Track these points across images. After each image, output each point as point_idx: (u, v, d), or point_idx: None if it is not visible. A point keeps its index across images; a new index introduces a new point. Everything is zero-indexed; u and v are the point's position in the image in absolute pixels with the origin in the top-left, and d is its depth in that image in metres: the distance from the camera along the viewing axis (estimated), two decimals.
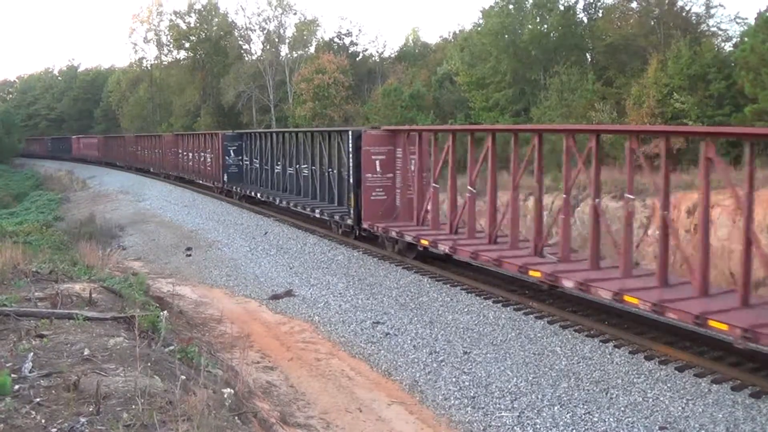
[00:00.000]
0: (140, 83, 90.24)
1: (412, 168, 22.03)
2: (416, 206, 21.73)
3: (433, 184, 20.65)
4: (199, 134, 47.45)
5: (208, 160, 41.61)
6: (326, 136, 27.67)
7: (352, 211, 23.43)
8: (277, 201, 30.94)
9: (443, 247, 18.77)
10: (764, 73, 28.25)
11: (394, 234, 21.00)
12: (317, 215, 26.52)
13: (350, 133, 23.85)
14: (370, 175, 22.64)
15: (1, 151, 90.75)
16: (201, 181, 43.57)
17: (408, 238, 20.21)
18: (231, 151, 38.09)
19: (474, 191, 19.00)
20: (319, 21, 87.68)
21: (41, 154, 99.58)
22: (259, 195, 33.95)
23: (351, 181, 23.48)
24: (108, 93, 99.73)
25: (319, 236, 25.76)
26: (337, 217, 24.64)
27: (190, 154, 46.40)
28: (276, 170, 33.33)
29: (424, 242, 19.54)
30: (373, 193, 22.64)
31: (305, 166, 29.63)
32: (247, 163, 37.55)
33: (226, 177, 38.16)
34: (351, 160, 23.42)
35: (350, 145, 23.53)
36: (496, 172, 18.42)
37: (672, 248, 14.98)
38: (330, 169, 26.90)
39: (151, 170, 56.20)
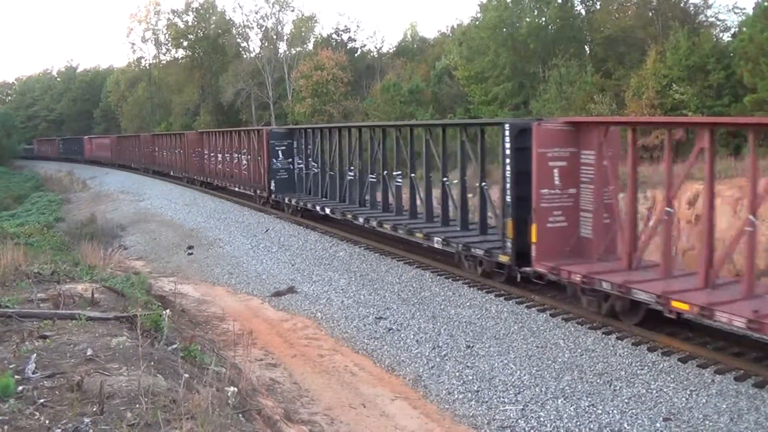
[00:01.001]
0: (139, 83, 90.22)
1: (607, 179, 15.00)
2: (624, 237, 14.63)
3: (667, 209, 13.76)
4: (232, 131, 40.14)
5: (244, 162, 35.27)
6: (462, 130, 20.27)
7: (509, 244, 16.33)
8: (361, 220, 23.30)
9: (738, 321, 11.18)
10: (763, 63, 28.22)
11: (605, 286, 13.58)
12: (438, 246, 19.42)
13: (508, 127, 16.46)
14: (546, 190, 15.36)
15: (1, 153, 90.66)
16: (236, 188, 37.18)
17: (642, 296, 12.85)
18: (279, 152, 30.95)
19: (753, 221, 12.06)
20: (317, 17, 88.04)
21: (52, 155, 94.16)
22: (328, 210, 25.97)
23: (508, 198, 16.44)
24: (107, 93, 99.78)
25: (320, 233, 25.68)
26: (478, 252, 17.60)
27: (219, 156, 40.04)
28: (347, 178, 26.36)
29: (681, 306, 12.14)
30: (551, 218, 15.47)
31: (398, 173, 23.52)
32: (301, 166, 30.76)
33: (273, 185, 30.96)
34: (509, 168, 16.37)
35: (507, 145, 16.40)
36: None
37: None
38: (448, 180, 20.78)
39: (171, 173, 50.46)
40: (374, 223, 22.52)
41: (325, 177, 28.34)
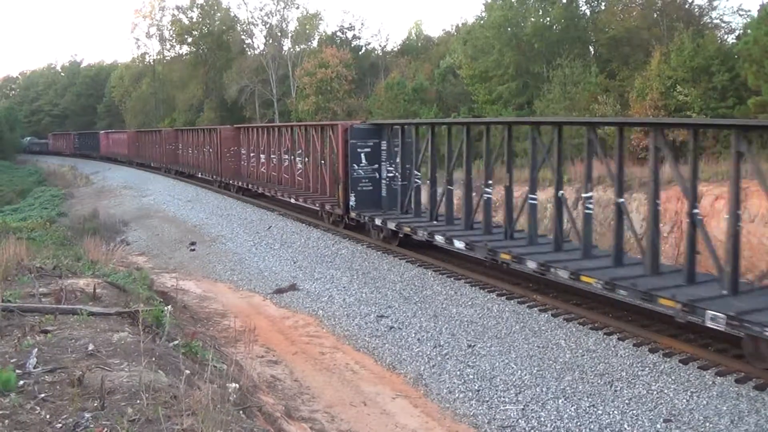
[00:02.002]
0: (143, 78, 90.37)
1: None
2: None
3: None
4: (281, 127, 34.19)
5: (299, 166, 30.07)
6: None
7: None
8: (563, 276, 14.84)
9: None
10: (767, 65, 28.17)
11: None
12: None
13: None
14: None
15: (4, 148, 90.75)
16: (287, 198, 30.56)
17: None
18: (362, 156, 23.71)
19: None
20: (321, 15, 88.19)
21: (68, 151, 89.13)
22: (460, 244, 18.34)
23: None
24: (111, 88, 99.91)
25: (322, 230, 25.71)
26: None
27: (263, 157, 34.61)
28: (485, 196, 19.05)
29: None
30: None
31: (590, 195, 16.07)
32: (393, 175, 23.25)
33: (353, 199, 23.71)
34: None
35: None
36: None
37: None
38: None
39: (200, 176, 44.49)
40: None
41: (436, 191, 21.65)
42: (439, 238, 19.02)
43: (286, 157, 31.68)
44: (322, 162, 27.26)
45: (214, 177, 40.77)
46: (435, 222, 20.77)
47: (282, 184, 32.01)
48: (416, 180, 22.05)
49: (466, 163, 19.85)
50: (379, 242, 22.30)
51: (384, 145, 23.79)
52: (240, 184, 36.92)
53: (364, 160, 23.84)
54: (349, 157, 23.75)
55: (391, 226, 21.52)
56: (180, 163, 50.31)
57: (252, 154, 36.37)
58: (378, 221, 22.23)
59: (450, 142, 20.58)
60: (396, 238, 21.80)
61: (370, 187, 23.89)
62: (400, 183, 22.81)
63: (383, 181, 23.84)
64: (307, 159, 29.16)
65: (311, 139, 28.68)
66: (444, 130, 21.51)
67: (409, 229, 20.56)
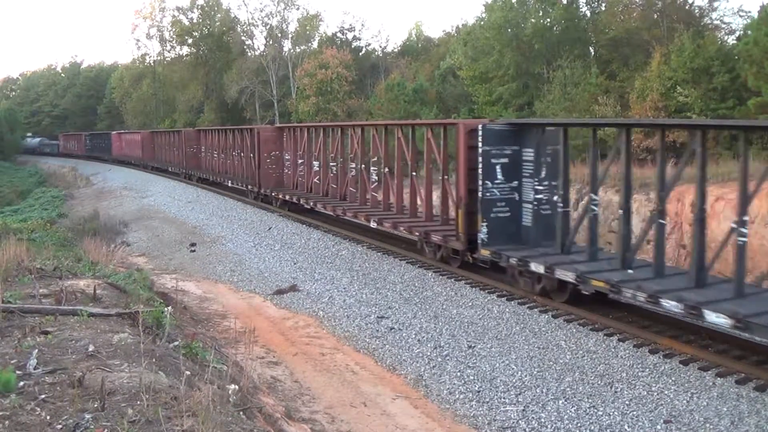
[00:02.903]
0: (143, 79, 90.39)
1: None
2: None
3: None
4: (344, 127, 28.09)
5: (374, 177, 24.67)
6: None
7: None
8: None
9: None
10: (767, 66, 28.18)
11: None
12: None
13: None
14: None
15: (4, 149, 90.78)
16: (373, 223, 22.71)
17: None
18: (497, 169, 17.22)
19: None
20: (321, 16, 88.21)
21: (78, 153, 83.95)
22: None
23: None
24: (111, 89, 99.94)
25: (323, 231, 25.69)
26: None
27: (314, 164, 29.02)
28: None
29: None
30: None
31: None
32: (548, 198, 16.96)
33: (484, 229, 17.15)
34: None
35: None
36: None
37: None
38: None
39: (229, 183, 38.39)
40: None
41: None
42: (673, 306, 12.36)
43: (353, 166, 26.01)
44: (413, 174, 21.95)
45: (249, 187, 34.42)
46: (630, 270, 14.29)
47: (348, 200, 26.17)
48: (593, 206, 15.56)
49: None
50: (530, 293, 16.20)
51: (529, 153, 17.02)
52: (285, 197, 30.23)
53: (500, 175, 17.18)
54: (481, 169, 17.00)
55: (566, 275, 14.72)
56: (203, 169, 44.96)
57: (300, 161, 30.41)
58: (536, 266, 15.35)
59: (628, 151, 15.10)
60: (564, 291, 15.31)
61: (507, 213, 17.24)
62: (561, 209, 16.13)
63: (528, 205, 17.07)
64: (387, 170, 23.46)
65: (397, 142, 22.69)
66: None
67: (603, 284, 13.77)
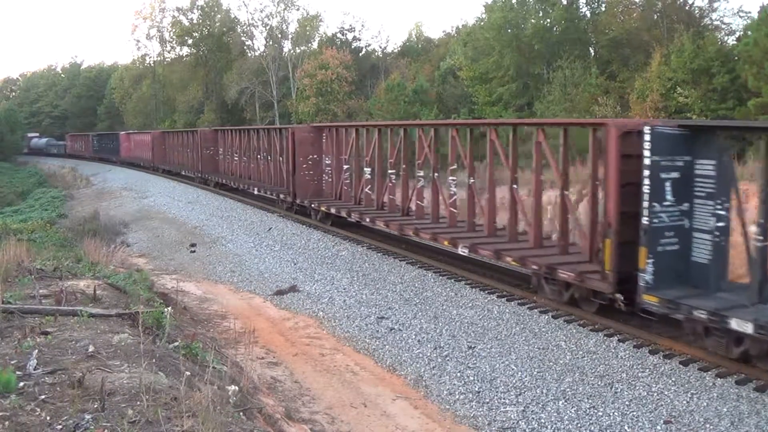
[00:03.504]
0: (143, 80, 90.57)
1: None
2: None
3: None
4: (418, 126, 23.77)
5: (473, 198, 19.53)
6: None
7: None
8: None
9: None
10: (767, 67, 28.21)
11: None
12: None
13: None
14: None
15: (4, 149, 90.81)
16: (464, 249, 17.85)
17: None
18: (666, 187, 12.72)
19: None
20: (321, 16, 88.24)
21: (86, 154, 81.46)
22: None
23: None
24: (111, 90, 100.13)
25: (323, 231, 25.71)
26: None
27: (365, 172, 24.46)
28: None
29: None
30: None
31: None
32: (722, 225, 12.46)
33: (650, 266, 12.62)
34: None
35: None
36: None
37: None
38: None
39: (256, 191, 34.17)
40: None
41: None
42: None
43: (421, 174, 21.81)
44: (514, 187, 17.57)
45: (282, 196, 30.15)
46: None
47: (415, 216, 21.84)
48: None
49: None
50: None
51: (706, 166, 12.67)
52: (331, 209, 25.34)
53: (669, 195, 12.93)
54: (648, 187, 12.65)
55: None
56: (222, 173, 41.14)
57: (346, 167, 26.08)
58: (740, 324, 10.98)
59: None
60: None
61: (676, 246, 13.00)
62: (761, 243, 11.68)
63: (704, 236, 12.70)
64: (472, 180, 19.18)
65: (489, 145, 18.33)
66: None
67: None
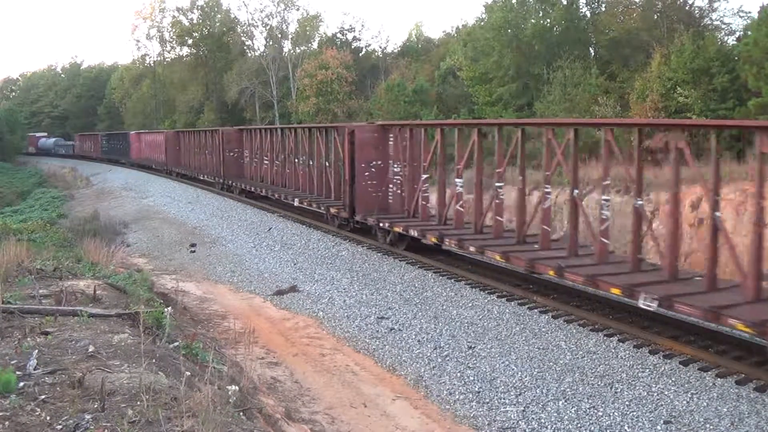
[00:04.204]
0: (143, 80, 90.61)
1: None
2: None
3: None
4: (549, 125, 17.98)
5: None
6: None
7: None
8: None
9: None
10: (767, 67, 28.20)
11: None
12: None
13: None
14: None
15: (5, 150, 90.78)
16: (646, 302, 12.45)
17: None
18: None
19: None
20: (321, 16, 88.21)
21: (94, 155, 77.86)
22: None
23: None
24: (111, 90, 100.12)
25: (323, 231, 25.69)
26: None
27: (456, 184, 19.64)
28: None
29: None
30: None
31: None
32: None
33: None
34: None
35: None
36: None
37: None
38: None
39: (296, 202, 28.79)
40: None
41: None
42: None
43: (547, 189, 16.55)
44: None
45: (333, 210, 25.18)
46: None
47: (542, 246, 16.67)
48: None
49: None
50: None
51: None
52: (410, 231, 20.27)
53: None
54: None
55: None
56: (248, 179, 36.93)
57: (425, 176, 21.36)
58: None
59: None
60: None
61: None
62: None
63: None
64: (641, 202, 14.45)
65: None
66: None
67: None
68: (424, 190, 21.50)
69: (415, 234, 20.10)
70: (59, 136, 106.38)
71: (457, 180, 19.46)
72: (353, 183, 23.48)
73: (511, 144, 18.18)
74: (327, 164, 27.15)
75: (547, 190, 16.55)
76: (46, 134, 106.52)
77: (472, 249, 17.76)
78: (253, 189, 34.81)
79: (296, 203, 28.68)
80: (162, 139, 53.77)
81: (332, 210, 25.25)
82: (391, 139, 22.87)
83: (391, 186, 23.07)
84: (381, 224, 21.88)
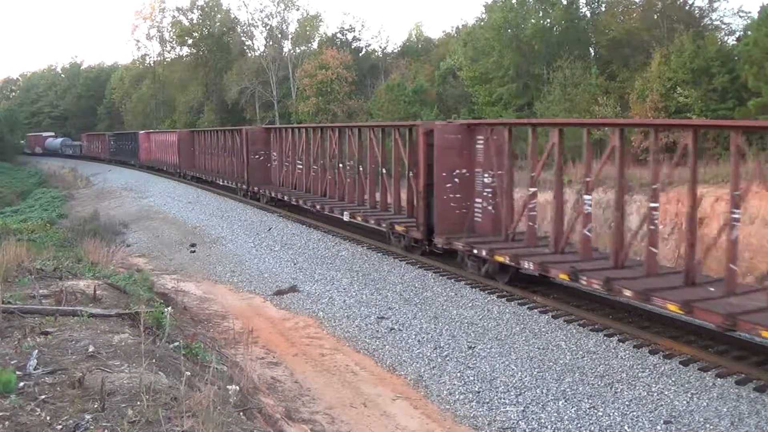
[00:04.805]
0: (143, 80, 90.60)
1: None
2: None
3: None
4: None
5: None
6: None
7: None
8: None
9: None
10: (767, 67, 28.22)
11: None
12: None
13: None
14: None
15: (4, 149, 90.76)
16: None
17: None
18: None
19: None
20: (321, 16, 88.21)
21: (102, 155, 74.00)
22: None
23: None
24: (111, 90, 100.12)
25: (323, 231, 25.69)
26: None
27: (585, 201, 15.37)
28: None
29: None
30: None
31: None
32: None
33: None
34: None
35: None
36: None
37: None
38: None
39: (346, 216, 23.81)
40: None
41: None
42: None
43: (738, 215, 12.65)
44: None
45: (399, 227, 20.75)
46: None
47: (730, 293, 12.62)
48: None
49: None
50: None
51: None
52: (523, 263, 15.94)
53: None
54: None
55: None
56: (275, 184, 33.01)
57: (532, 189, 17.03)
58: None
59: None
60: None
61: None
62: None
63: None
64: None
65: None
66: None
67: None
68: (532, 208, 16.94)
69: (531, 267, 15.75)
70: (67, 135, 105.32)
71: (585, 197, 15.41)
72: (430, 196, 19.30)
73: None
74: (384, 171, 22.96)
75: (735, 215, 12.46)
76: (53, 134, 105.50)
77: (628, 294, 13.13)
78: (285, 197, 30.01)
79: (346, 218, 23.71)
80: (175, 140, 49.70)
81: (398, 228, 20.71)
82: (480, 141, 18.75)
83: (478, 200, 18.85)
84: (475, 251, 17.28)
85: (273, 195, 31.53)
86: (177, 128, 65.28)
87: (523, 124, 21.25)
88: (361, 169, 24.72)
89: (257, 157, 33.99)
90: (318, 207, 26.44)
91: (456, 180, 18.92)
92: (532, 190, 16.95)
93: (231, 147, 38.04)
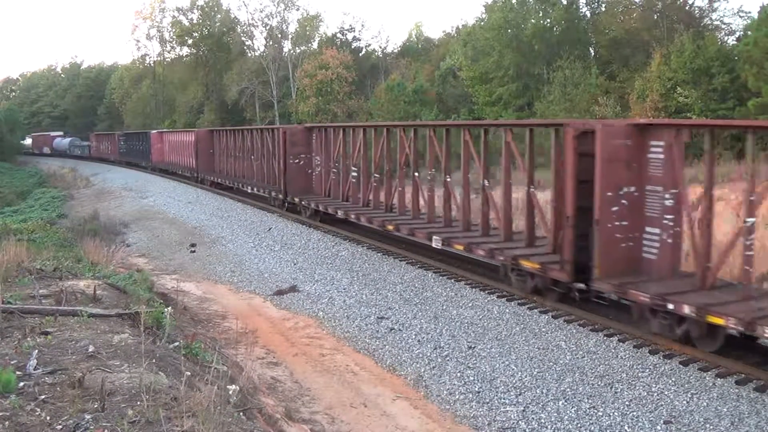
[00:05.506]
0: (143, 80, 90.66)
1: None
2: None
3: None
4: None
5: None
6: None
7: None
8: None
9: None
10: (767, 67, 28.23)
11: None
12: None
13: None
14: None
15: (4, 149, 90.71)
16: None
17: None
18: None
19: None
20: (321, 17, 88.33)
21: (111, 156, 70.50)
22: None
23: None
24: (111, 90, 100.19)
25: (323, 231, 25.67)
26: None
27: None
28: None
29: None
30: None
31: None
32: None
33: None
34: None
35: None
36: None
37: None
38: None
39: (439, 244, 18.78)
40: None
41: None
42: None
43: None
44: None
45: (535, 268, 15.47)
46: None
47: None
48: None
49: None
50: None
51: None
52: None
53: None
54: None
55: None
56: (319, 195, 28.33)
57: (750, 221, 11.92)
58: None
59: None
60: None
61: None
62: None
63: None
64: None
65: None
66: None
67: None
68: (750, 246, 11.87)
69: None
70: (76, 135, 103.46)
71: None
72: (582, 223, 14.21)
73: None
74: (486, 183, 18.38)
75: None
76: (61, 134, 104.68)
77: None
78: (339, 212, 24.73)
79: (437, 245, 18.89)
80: (191, 140, 44.48)
81: (526, 264, 15.74)
82: (657, 149, 13.52)
83: (650, 229, 13.72)
84: (674, 307, 12.00)
85: (319, 208, 26.54)
86: (177, 128, 65.20)
87: (736, 127, 17.17)
88: (448, 178, 19.98)
89: (296, 161, 29.19)
90: (391, 227, 21.27)
91: (624, 202, 13.75)
92: (750, 221, 11.82)
93: (261, 149, 33.35)
